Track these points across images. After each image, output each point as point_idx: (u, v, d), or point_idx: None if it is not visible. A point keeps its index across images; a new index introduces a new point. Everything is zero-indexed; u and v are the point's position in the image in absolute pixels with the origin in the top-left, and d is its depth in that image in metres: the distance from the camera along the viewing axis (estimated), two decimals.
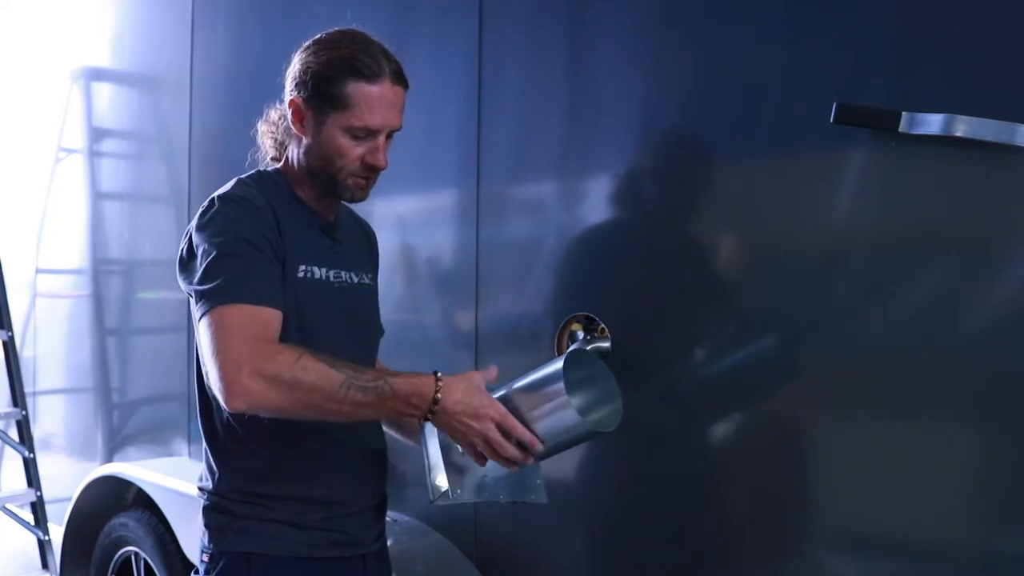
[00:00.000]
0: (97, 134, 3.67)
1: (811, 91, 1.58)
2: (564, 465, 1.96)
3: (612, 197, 1.92)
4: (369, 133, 1.50)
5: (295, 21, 2.62)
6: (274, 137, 1.62)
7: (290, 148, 1.59)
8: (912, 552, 1.52)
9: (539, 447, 1.40)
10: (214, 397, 1.43)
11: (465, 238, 2.15)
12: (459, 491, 1.46)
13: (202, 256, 1.41)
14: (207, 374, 1.37)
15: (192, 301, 1.42)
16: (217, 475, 1.52)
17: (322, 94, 1.48)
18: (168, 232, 3.16)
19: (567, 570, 1.98)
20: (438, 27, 2.24)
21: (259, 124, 1.65)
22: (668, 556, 1.80)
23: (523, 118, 2.07)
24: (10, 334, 3.66)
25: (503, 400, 1.43)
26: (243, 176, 1.57)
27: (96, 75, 3.68)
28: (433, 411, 1.37)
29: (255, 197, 1.48)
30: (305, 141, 1.52)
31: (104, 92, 3.68)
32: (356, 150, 1.50)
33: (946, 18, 1.47)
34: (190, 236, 1.47)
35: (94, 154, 3.67)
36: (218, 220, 1.43)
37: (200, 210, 1.48)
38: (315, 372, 1.32)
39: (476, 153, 2.11)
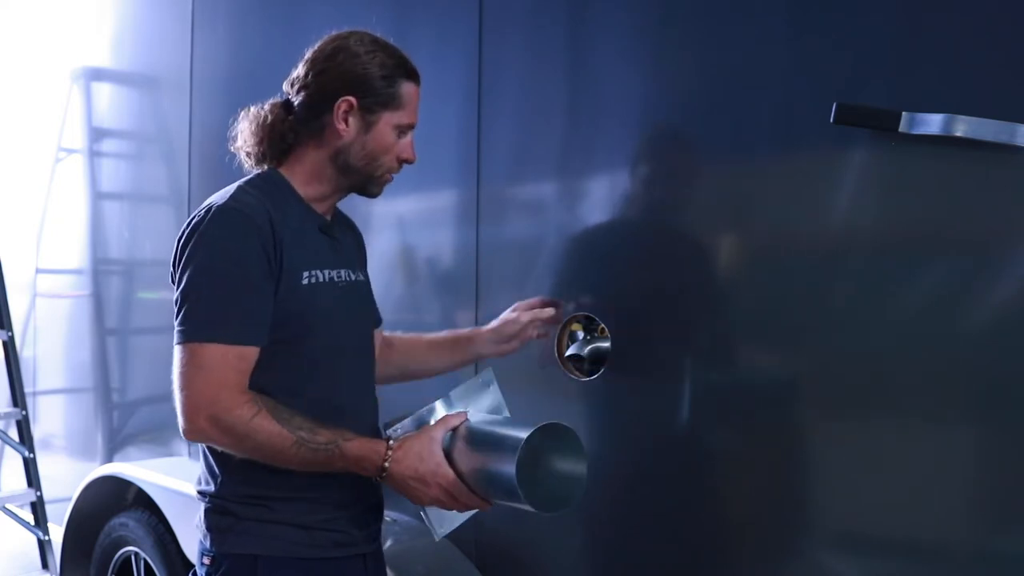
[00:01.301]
0: (97, 134, 3.67)
1: (811, 91, 1.58)
2: None
3: (612, 197, 1.92)
4: (410, 130, 1.58)
5: (295, 21, 2.62)
6: (268, 138, 1.56)
7: (303, 148, 1.56)
8: (912, 552, 1.52)
9: (487, 507, 1.47)
10: None
11: (465, 238, 2.15)
12: (441, 528, 1.53)
13: (189, 276, 1.42)
14: (178, 395, 1.42)
15: (175, 316, 1.45)
16: (220, 478, 1.51)
17: (379, 94, 1.52)
18: (168, 232, 3.16)
19: (567, 570, 1.98)
20: (438, 27, 2.24)
21: (244, 123, 1.59)
22: (668, 556, 1.80)
23: (523, 118, 2.07)
24: (10, 334, 3.66)
25: (469, 436, 1.45)
26: (243, 181, 1.55)
27: (96, 75, 3.68)
28: (382, 477, 1.45)
29: (253, 208, 1.46)
30: (345, 140, 1.53)
31: (104, 92, 3.68)
32: (396, 147, 1.56)
33: (946, 18, 1.47)
34: (180, 243, 1.46)
35: (94, 154, 3.67)
36: (209, 236, 1.43)
37: (195, 218, 1.46)
38: (266, 433, 1.39)
39: (476, 153, 2.11)
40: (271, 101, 1.60)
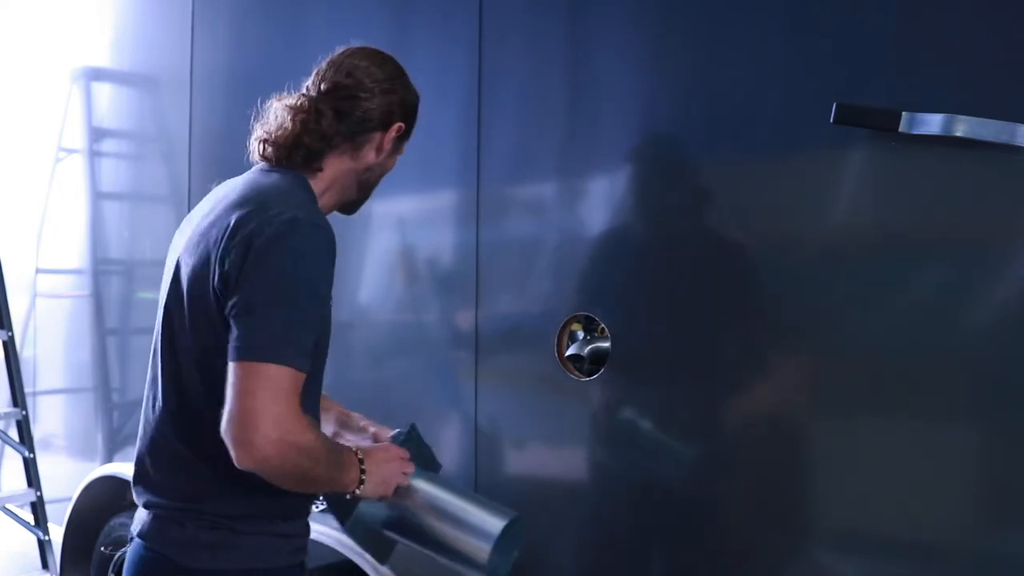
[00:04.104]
0: (97, 134, 3.67)
1: (811, 91, 1.59)
2: (564, 465, 1.96)
3: (612, 197, 1.92)
4: None
5: (295, 21, 2.62)
6: (310, 137, 1.48)
7: (336, 157, 1.51)
8: (912, 552, 1.52)
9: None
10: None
11: (465, 238, 2.15)
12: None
13: (267, 289, 1.33)
14: (228, 414, 1.29)
15: (236, 321, 1.32)
16: (220, 492, 1.42)
17: (413, 127, 1.60)
18: (168, 232, 3.14)
19: (567, 570, 1.98)
20: (438, 28, 2.24)
21: (284, 113, 1.49)
22: (668, 556, 1.80)
23: (523, 118, 2.07)
24: (10, 334, 3.66)
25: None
26: (301, 191, 1.46)
27: (96, 75, 3.67)
28: (362, 471, 1.45)
29: (329, 228, 1.39)
30: (372, 160, 1.55)
31: (104, 92, 3.68)
32: None
33: (946, 18, 1.47)
34: (250, 247, 1.33)
35: (94, 154, 3.67)
36: (297, 252, 1.34)
37: (271, 225, 1.34)
38: (321, 447, 1.35)
39: (476, 153, 2.11)
40: (306, 95, 1.51)
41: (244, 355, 1.29)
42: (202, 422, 1.39)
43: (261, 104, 1.54)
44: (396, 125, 1.54)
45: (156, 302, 1.53)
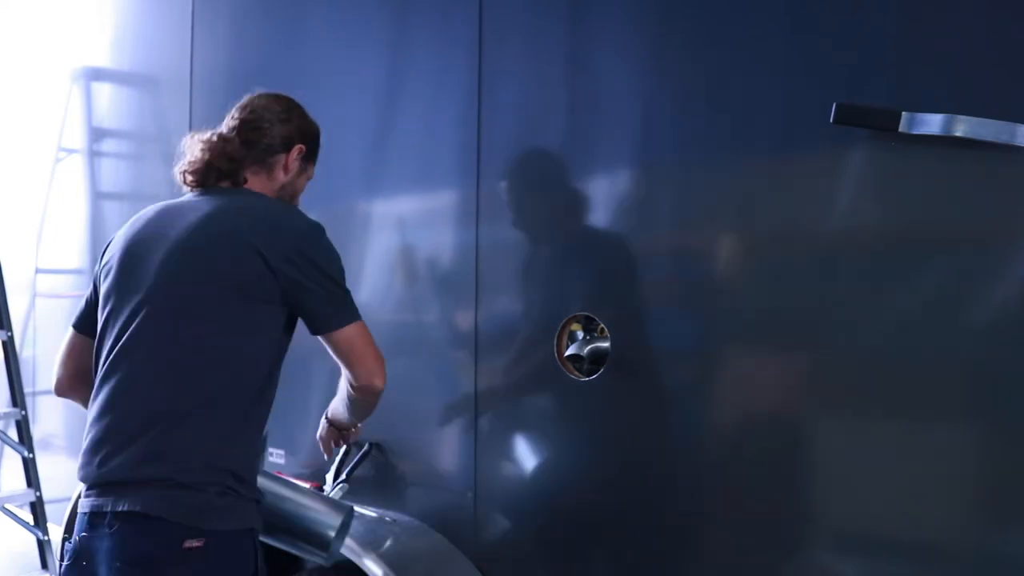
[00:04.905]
0: (97, 134, 3.67)
1: (811, 91, 1.59)
2: (564, 465, 1.97)
3: (611, 197, 1.92)
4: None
5: (295, 21, 2.62)
6: (223, 158, 1.78)
7: (253, 177, 1.81)
8: (912, 552, 1.52)
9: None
10: (253, 389, 1.68)
11: (465, 238, 2.15)
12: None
13: (333, 273, 1.72)
14: (360, 360, 1.72)
15: (318, 301, 1.69)
16: (235, 457, 1.63)
17: (315, 151, 1.91)
18: None
19: (567, 570, 1.98)
20: (438, 28, 2.24)
21: (196, 144, 1.79)
22: (668, 556, 1.80)
23: (523, 118, 2.07)
24: (10, 334, 3.65)
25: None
26: (264, 197, 1.80)
27: (96, 75, 3.68)
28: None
29: None
30: (283, 179, 1.85)
31: (104, 92, 3.68)
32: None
33: (946, 18, 1.47)
34: (299, 246, 1.67)
35: (94, 154, 3.67)
36: (330, 245, 1.74)
37: (310, 230, 1.72)
38: None
39: (476, 153, 2.11)
40: (216, 132, 1.82)
41: (343, 321, 1.71)
42: (221, 397, 1.63)
43: (183, 145, 1.83)
44: (297, 147, 1.85)
45: None
